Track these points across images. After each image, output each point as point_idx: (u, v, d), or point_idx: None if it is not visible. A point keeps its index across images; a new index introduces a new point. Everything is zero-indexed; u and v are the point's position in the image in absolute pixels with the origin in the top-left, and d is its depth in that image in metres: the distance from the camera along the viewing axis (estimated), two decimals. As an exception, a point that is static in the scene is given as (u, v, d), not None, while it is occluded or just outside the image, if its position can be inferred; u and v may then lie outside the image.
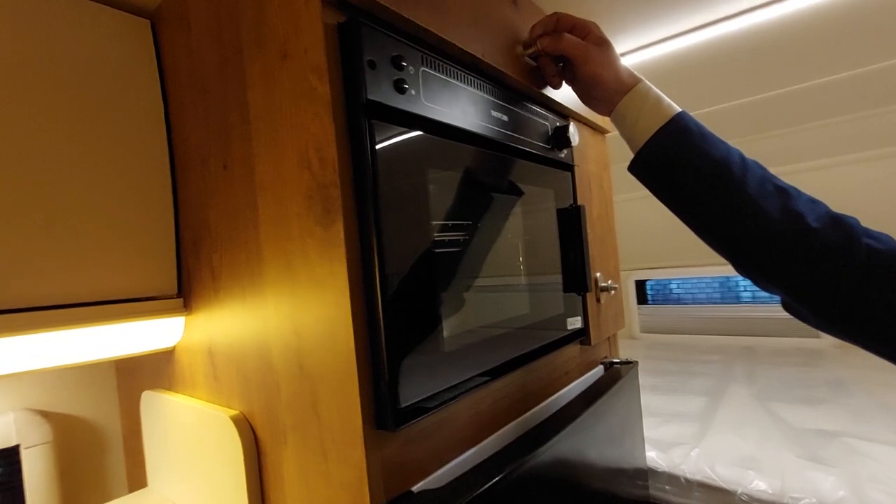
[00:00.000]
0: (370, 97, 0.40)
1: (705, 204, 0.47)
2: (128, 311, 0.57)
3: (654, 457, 0.94)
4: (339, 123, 0.40)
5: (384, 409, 0.40)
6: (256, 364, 0.51)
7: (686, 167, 0.48)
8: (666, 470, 0.91)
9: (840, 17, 1.17)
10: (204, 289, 0.59)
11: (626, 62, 1.10)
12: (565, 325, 0.70)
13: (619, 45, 1.10)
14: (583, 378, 0.78)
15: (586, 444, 0.66)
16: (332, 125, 0.40)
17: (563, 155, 0.74)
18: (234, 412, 0.53)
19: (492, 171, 0.58)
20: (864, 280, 0.41)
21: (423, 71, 0.47)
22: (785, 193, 0.45)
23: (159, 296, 0.61)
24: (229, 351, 0.56)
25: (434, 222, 0.47)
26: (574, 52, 0.56)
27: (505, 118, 0.59)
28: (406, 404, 0.41)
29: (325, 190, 0.41)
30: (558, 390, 0.70)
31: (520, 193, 0.64)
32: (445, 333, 0.47)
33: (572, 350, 0.75)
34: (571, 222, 0.73)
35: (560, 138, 0.71)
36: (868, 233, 0.43)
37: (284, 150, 0.45)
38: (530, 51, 0.61)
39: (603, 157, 0.92)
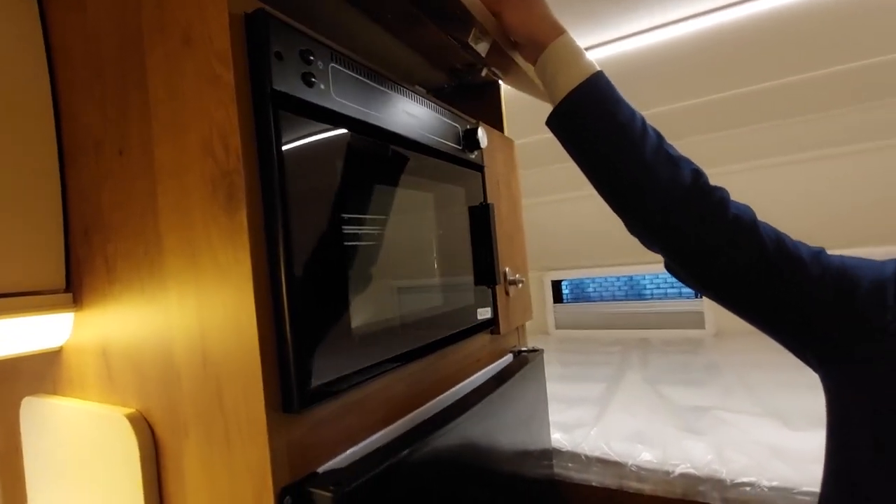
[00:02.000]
0: (276, 87, 0.41)
1: (606, 163, 0.51)
2: (5, 307, 0.52)
3: (558, 438, 1.02)
4: (245, 112, 0.41)
5: (289, 392, 0.41)
6: (155, 358, 0.49)
7: (593, 127, 0.51)
8: (569, 449, 0.99)
9: (792, 22, 1.30)
10: (97, 282, 0.56)
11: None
12: (476, 315, 0.75)
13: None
14: (493, 365, 0.84)
15: (494, 425, 0.71)
16: (237, 113, 0.40)
17: (473, 156, 0.79)
18: (129, 410, 0.51)
19: (404, 169, 0.61)
20: (728, 244, 0.47)
21: (333, 67, 0.48)
22: (674, 162, 0.50)
23: (44, 290, 0.56)
24: (126, 347, 0.53)
25: (345, 215, 0.49)
26: (489, 2, 0.57)
27: (417, 117, 0.62)
28: (312, 387, 0.42)
29: (228, 177, 0.41)
30: (469, 376, 0.74)
31: (431, 191, 0.67)
32: (355, 320, 0.49)
33: (483, 339, 0.80)
34: (481, 219, 0.78)
35: (470, 140, 0.76)
36: (735, 204, 0.49)
37: (187, 136, 0.44)
38: None
39: (510, 161, 0.99)
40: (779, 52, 1.58)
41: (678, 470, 0.88)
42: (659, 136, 0.52)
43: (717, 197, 0.49)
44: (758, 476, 0.82)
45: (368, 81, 0.53)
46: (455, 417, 0.59)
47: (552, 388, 1.38)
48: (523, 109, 1.21)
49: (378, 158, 0.56)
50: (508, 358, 0.91)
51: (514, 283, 0.89)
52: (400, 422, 0.57)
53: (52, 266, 0.56)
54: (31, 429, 0.64)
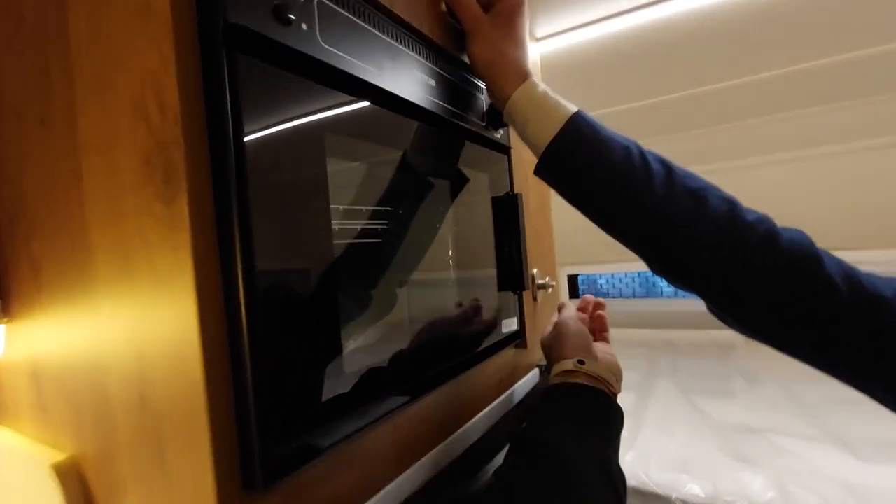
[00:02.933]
0: (232, 20, 0.29)
1: (614, 210, 0.44)
2: None
3: (587, 462, 0.89)
4: (186, 55, 0.28)
5: (250, 462, 0.29)
6: (89, 391, 0.38)
7: (588, 176, 0.44)
8: (600, 476, 0.86)
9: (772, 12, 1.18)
10: (24, 287, 0.44)
11: (547, 46, 1.05)
12: (500, 328, 0.62)
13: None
14: (517, 385, 0.71)
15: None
16: (174, 57, 0.27)
17: (499, 135, 0.65)
18: (59, 458, 0.39)
19: (415, 146, 0.48)
20: (783, 289, 0.38)
21: (321, 2, 0.35)
22: (695, 195, 0.42)
23: (-40, 297, 0.45)
24: (58, 372, 0.41)
25: (335, 206, 0.36)
26: (464, 21, 0.49)
27: (431, 82, 0.49)
28: (284, 454, 0.30)
29: (165, 151, 0.28)
30: (492, 401, 0.62)
31: (449, 177, 0.54)
32: (348, 353, 0.37)
33: (506, 355, 0.68)
34: (508, 212, 0.65)
35: (495, 116, 0.63)
36: (787, 237, 0.40)
37: (115, 95, 0.31)
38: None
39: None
40: (796, 34, 1.42)
41: (732, 507, 0.75)
42: (667, 167, 0.43)
43: (762, 230, 0.40)
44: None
45: (369, 27, 0.40)
46: (487, 458, 0.47)
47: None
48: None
49: (379, 130, 0.43)
50: (534, 375, 0.79)
51: (543, 287, 0.76)
52: (412, 469, 0.45)
53: (-30, 267, 0.45)
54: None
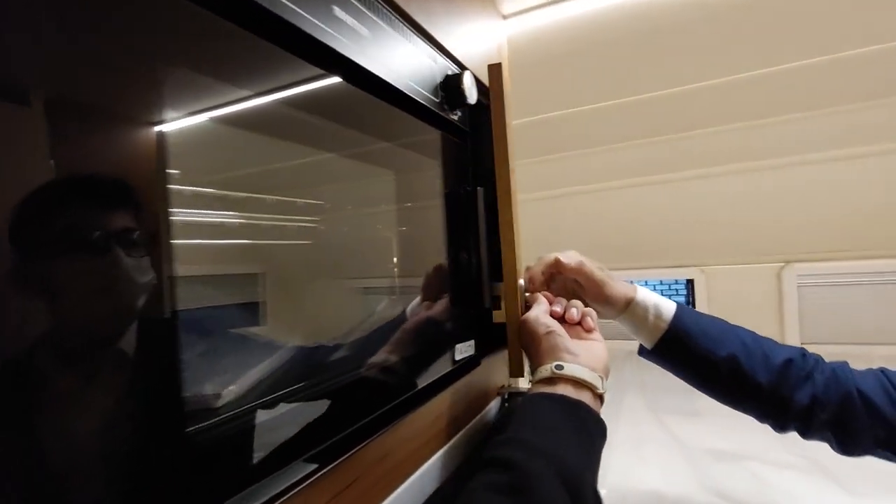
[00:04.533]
0: None
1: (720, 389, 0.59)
2: None
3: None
4: None
5: None
6: None
7: (695, 366, 0.60)
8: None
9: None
10: None
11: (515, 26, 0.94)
12: (452, 356, 0.50)
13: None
14: (475, 420, 0.59)
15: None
16: None
17: (455, 117, 0.53)
18: None
19: (323, 106, 0.35)
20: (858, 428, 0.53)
21: None
22: (778, 372, 0.56)
23: None
24: None
25: (175, 186, 0.23)
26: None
27: (363, 29, 0.36)
28: None
29: None
30: (441, 445, 0.49)
31: (386, 164, 0.42)
32: (196, 412, 0.23)
33: (459, 389, 0.55)
34: (465, 211, 0.53)
35: (451, 92, 0.51)
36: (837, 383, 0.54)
37: None
38: None
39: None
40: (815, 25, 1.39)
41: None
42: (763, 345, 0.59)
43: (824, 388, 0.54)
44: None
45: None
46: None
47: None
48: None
49: (262, 77, 0.29)
50: (496, 404, 0.67)
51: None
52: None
53: None
54: None
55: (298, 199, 0.37)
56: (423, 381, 0.44)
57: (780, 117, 1.73)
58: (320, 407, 0.31)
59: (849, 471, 0.80)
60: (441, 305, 0.50)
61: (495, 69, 0.52)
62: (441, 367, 0.48)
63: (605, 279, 0.58)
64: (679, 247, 2.10)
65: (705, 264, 2.06)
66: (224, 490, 0.24)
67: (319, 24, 0.31)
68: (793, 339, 1.91)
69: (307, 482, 0.29)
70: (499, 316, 0.55)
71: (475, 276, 0.52)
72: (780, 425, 0.59)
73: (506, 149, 0.51)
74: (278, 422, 0.28)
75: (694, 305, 2.08)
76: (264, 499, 0.26)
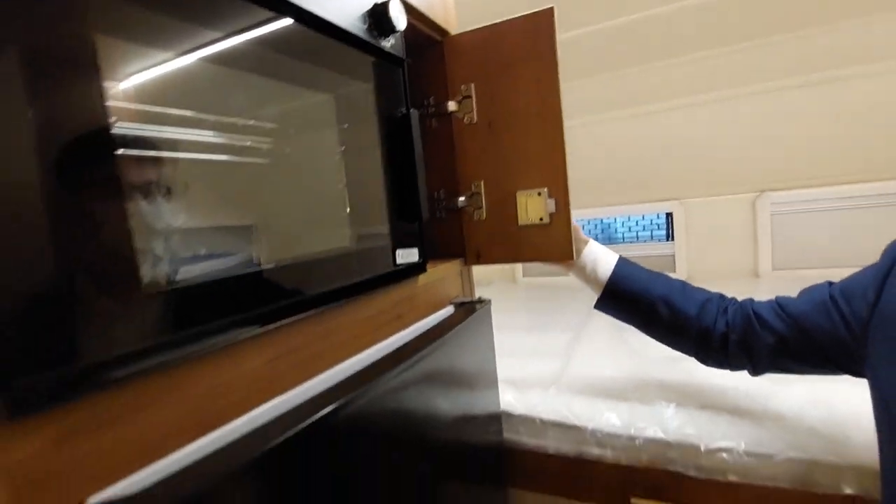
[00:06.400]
0: None
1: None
2: None
3: (510, 399, 0.88)
4: None
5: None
6: None
7: (638, 308, 0.75)
8: (521, 413, 0.86)
9: None
10: None
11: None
12: (390, 258, 0.57)
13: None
14: (425, 321, 0.67)
15: (425, 392, 0.55)
16: None
17: (388, 44, 0.58)
18: None
19: (265, 38, 0.40)
20: (755, 347, 0.66)
21: None
22: (701, 306, 0.71)
23: None
24: None
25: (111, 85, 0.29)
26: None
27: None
28: (36, 377, 0.24)
29: None
30: (385, 337, 0.57)
31: (325, 88, 0.47)
32: (147, 266, 0.30)
33: (406, 290, 0.63)
34: (401, 133, 0.59)
35: (381, 22, 0.55)
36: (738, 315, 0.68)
37: None
38: None
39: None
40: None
41: (646, 434, 0.76)
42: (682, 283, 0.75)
43: (741, 320, 0.67)
44: (736, 441, 0.70)
45: None
46: (357, 389, 0.43)
47: (512, 342, 1.25)
48: None
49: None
50: (448, 310, 0.75)
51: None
52: (272, 403, 0.40)
53: None
54: None
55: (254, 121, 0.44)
56: (363, 277, 0.52)
57: (757, 41, 1.73)
58: (267, 283, 0.39)
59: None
60: (383, 217, 0.57)
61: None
62: (383, 269, 0.55)
63: (577, 228, 0.75)
64: (658, 181, 2.14)
65: (684, 197, 2.11)
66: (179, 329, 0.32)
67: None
68: (766, 265, 1.99)
69: (252, 334, 0.37)
70: (524, 219, 0.75)
71: (412, 194, 0.59)
72: (705, 354, 0.72)
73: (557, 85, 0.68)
74: (230, 287, 0.36)
75: (673, 238, 2.15)
76: (218, 345, 0.34)
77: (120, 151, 0.30)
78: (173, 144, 0.37)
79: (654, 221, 2.51)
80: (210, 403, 0.36)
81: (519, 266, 2.50)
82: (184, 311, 0.33)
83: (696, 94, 1.93)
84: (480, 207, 0.78)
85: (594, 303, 0.79)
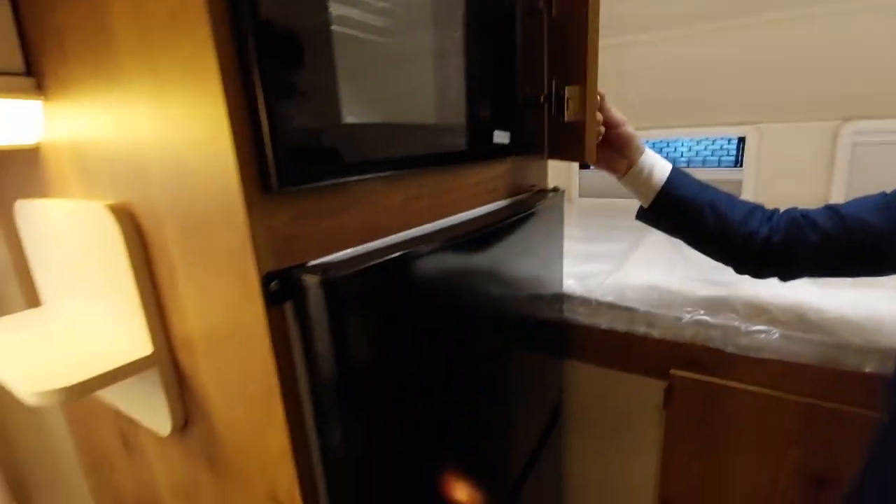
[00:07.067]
0: None
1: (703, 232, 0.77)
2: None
3: (571, 284, 1.00)
4: None
5: (265, 169, 0.36)
6: (120, 144, 0.44)
7: (685, 213, 0.76)
8: (580, 294, 0.98)
9: None
10: (52, 64, 0.49)
11: None
12: (490, 137, 0.67)
13: None
14: (512, 199, 0.78)
15: (503, 254, 0.67)
16: None
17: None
18: (109, 202, 0.47)
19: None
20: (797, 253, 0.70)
21: None
22: (748, 212, 0.75)
23: (2, 70, 0.50)
24: (91, 138, 0.48)
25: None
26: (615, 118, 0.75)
27: None
28: (292, 167, 0.37)
29: None
30: (483, 204, 0.69)
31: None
32: (346, 109, 0.42)
33: (499, 169, 0.73)
34: (505, 27, 0.66)
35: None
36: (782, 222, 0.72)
37: None
38: None
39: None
40: None
41: (690, 317, 0.86)
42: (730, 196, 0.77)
43: (783, 227, 0.71)
44: (775, 325, 0.79)
45: None
46: (460, 236, 0.55)
47: (570, 246, 1.34)
48: None
49: None
50: (530, 194, 0.85)
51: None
52: (401, 233, 0.53)
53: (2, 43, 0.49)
54: (28, 232, 0.63)
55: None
56: (469, 147, 0.62)
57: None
58: (408, 138, 0.50)
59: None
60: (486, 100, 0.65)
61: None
62: (482, 145, 0.66)
63: (634, 136, 0.75)
64: (733, 104, 2.05)
65: (760, 122, 2.02)
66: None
67: None
68: (838, 199, 1.92)
69: (388, 176, 0.49)
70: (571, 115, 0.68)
71: (511, 81, 0.67)
72: (743, 259, 0.74)
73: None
74: (383, 135, 0.47)
75: (741, 164, 2.09)
76: (369, 170, 0.46)
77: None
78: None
79: (723, 147, 2.43)
80: (375, 218, 0.49)
81: (576, 185, 2.53)
82: (362, 143, 0.44)
83: (778, 10, 1.78)
84: (551, 104, 0.82)
85: (636, 213, 0.83)
